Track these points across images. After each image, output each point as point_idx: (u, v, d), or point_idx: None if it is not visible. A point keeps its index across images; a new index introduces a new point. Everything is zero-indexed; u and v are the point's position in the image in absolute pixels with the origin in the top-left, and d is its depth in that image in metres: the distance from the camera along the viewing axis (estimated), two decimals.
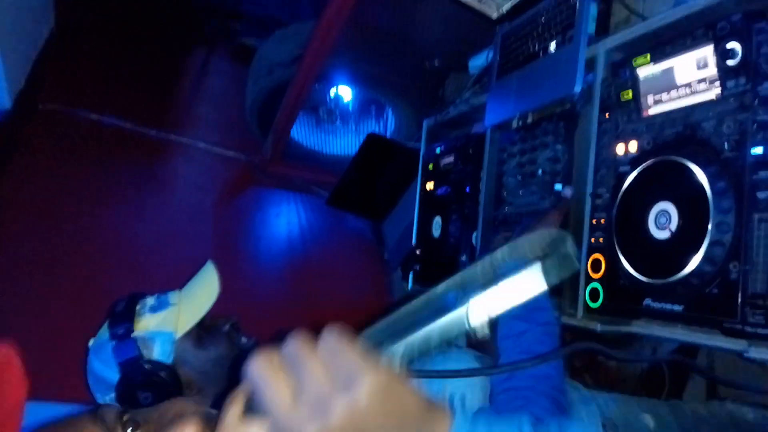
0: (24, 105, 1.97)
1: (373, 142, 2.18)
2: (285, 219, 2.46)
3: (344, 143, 2.52)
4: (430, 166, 1.78)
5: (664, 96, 1.00)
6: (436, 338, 0.41)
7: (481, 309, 0.41)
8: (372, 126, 2.47)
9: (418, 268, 1.75)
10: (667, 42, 1.00)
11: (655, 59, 1.02)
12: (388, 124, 2.42)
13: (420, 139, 1.92)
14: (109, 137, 2.21)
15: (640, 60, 1.05)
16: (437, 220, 1.69)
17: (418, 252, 1.77)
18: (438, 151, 1.75)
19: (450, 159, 1.69)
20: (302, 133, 2.46)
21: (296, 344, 0.40)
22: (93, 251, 1.91)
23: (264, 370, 0.40)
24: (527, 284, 0.41)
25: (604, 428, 1.20)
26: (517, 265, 0.41)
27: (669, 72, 0.99)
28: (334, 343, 0.40)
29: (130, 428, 0.51)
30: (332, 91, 2.36)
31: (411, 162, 1.95)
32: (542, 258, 0.41)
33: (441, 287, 0.42)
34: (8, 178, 1.91)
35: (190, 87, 2.72)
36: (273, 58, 2.17)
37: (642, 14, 1.30)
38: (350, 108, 2.44)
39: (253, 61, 2.28)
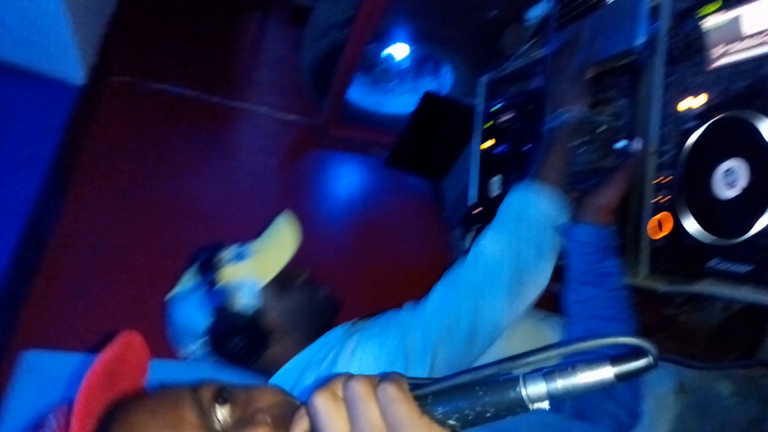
0: (97, 79, 2.08)
1: (429, 101, 2.17)
2: (345, 180, 2.50)
3: (401, 102, 2.51)
4: (489, 124, 1.76)
5: (734, 46, 0.95)
6: (491, 411, 0.42)
7: (542, 388, 0.41)
8: (428, 84, 2.44)
9: (477, 226, 1.75)
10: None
11: (724, 6, 0.96)
12: (444, 82, 2.39)
13: (478, 95, 1.89)
14: (175, 106, 2.31)
15: (708, 8, 0.99)
16: (497, 179, 1.69)
17: (477, 210, 1.77)
18: (496, 108, 1.72)
19: (509, 116, 1.66)
20: (359, 93, 2.47)
21: (359, 385, 0.43)
22: (166, 214, 2.03)
23: (326, 404, 0.43)
24: (595, 376, 0.41)
25: (676, 393, 1.20)
26: (589, 358, 0.41)
27: (737, 20, 0.94)
28: (394, 393, 0.42)
29: (224, 408, 0.55)
30: (387, 50, 2.34)
31: (469, 119, 1.93)
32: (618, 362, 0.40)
33: (507, 363, 0.43)
34: (86, 148, 2.04)
35: (249, 52, 2.76)
36: (327, 20, 2.17)
37: None
38: (406, 66, 2.41)
39: (308, 23, 2.29)
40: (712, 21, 0.99)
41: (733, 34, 0.95)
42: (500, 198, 1.63)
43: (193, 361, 1.10)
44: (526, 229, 1.01)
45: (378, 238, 2.38)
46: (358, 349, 0.91)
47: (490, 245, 1.00)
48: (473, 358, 0.94)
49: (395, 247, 2.39)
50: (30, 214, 1.69)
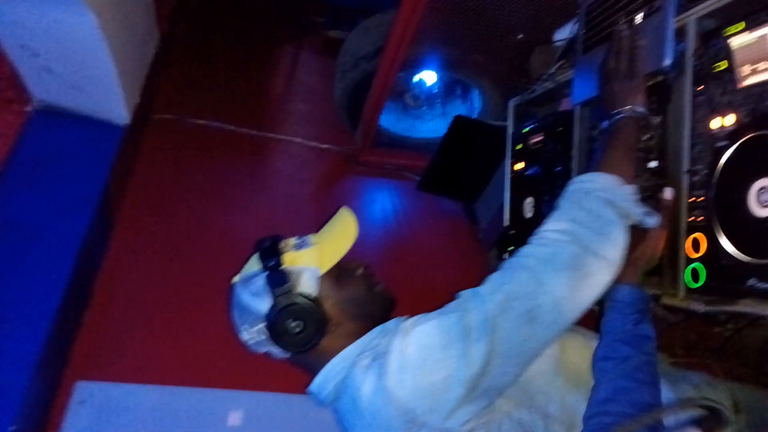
0: (140, 118, 2.18)
1: (460, 124, 2.20)
2: (379, 205, 2.54)
3: (432, 127, 2.55)
4: (519, 146, 1.77)
5: (761, 65, 0.95)
6: None
7: None
8: (458, 107, 2.48)
9: (512, 248, 1.76)
10: (761, 9, 0.94)
11: (749, 27, 0.97)
12: (474, 105, 2.42)
13: (507, 118, 1.91)
14: (215, 139, 2.40)
15: (732, 29, 0.99)
16: (529, 201, 1.69)
17: (511, 233, 1.78)
18: (526, 130, 1.73)
19: (539, 138, 1.67)
20: (390, 120, 2.52)
21: None
22: (208, 243, 2.11)
23: None
24: None
25: (731, 410, 1.17)
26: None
27: (764, 40, 0.94)
28: None
29: None
30: (417, 77, 2.39)
31: (500, 141, 1.95)
32: None
33: None
34: (131, 184, 2.14)
35: (282, 84, 2.85)
36: (357, 52, 2.23)
37: None
38: (436, 91, 2.45)
39: (339, 55, 2.36)
40: (738, 41, 1.00)
41: (759, 53, 0.96)
42: (533, 220, 1.66)
43: (254, 346, 1.11)
44: (586, 202, 0.98)
45: (413, 261, 2.40)
46: (415, 329, 0.91)
47: (552, 222, 0.99)
48: (537, 341, 0.91)
49: (431, 270, 2.40)
50: (80, 249, 1.78)
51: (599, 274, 0.94)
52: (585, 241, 0.94)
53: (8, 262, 1.68)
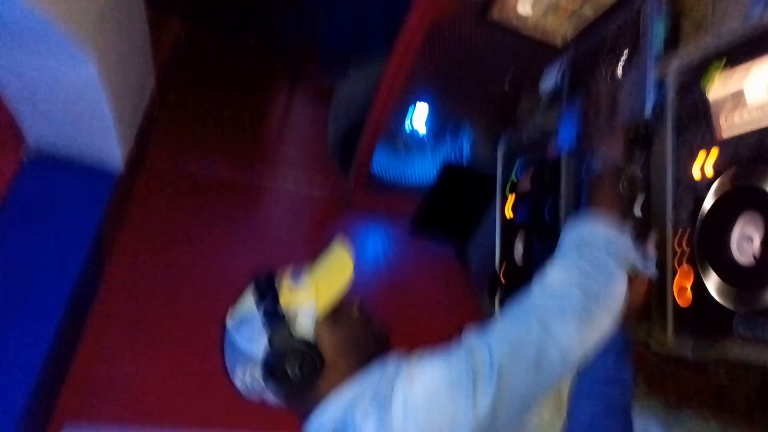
0: (134, 166, 2.20)
1: (450, 169, 2.24)
2: (371, 248, 2.55)
3: (423, 171, 2.58)
4: (508, 192, 1.81)
5: (737, 118, 0.99)
6: None
7: None
8: (449, 151, 2.52)
9: (503, 294, 1.77)
10: (735, 63, 0.99)
11: (723, 81, 1.01)
12: (464, 149, 2.46)
13: (496, 163, 1.95)
14: (208, 187, 2.42)
15: (708, 82, 1.04)
16: (519, 245, 1.71)
17: (502, 277, 1.79)
18: (514, 176, 1.77)
19: (527, 184, 1.71)
20: (382, 165, 2.55)
21: None
22: (200, 291, 2.10)
23: None
24: None
25: None
26: None
27: (739, 93, 0.98)
28: None
29: None
30: (408, 122, 2.44)
31: (490, 185, 1.98)
32: None
33: None
34: (123, 232, 2.15)
35: (276, 131, 2.90)
36: (349, 98, 2.29)
37: (711, 28, 1.28)
38: (426, 137, 2.50)
39: (331, 102, 2.41)
40: (715, 94, 1.04)
41: (735, 105, 1.00)
42: (524, 264, 1.67)
43: (247, 393, 1.07)
44: (588, 252, 1.00)
45: (406, 302, 2.40)
46: (420, 374, 0.89)
47: (557, 271, 1.00)
48: (542, 388, 0.90)
49: (423, 312, 2.40)
50: (71, 294, 1.77)
51: (603, 323, 0.96)
52: (591, 291, 0.95)
53: None
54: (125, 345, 1.92)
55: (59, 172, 1.99)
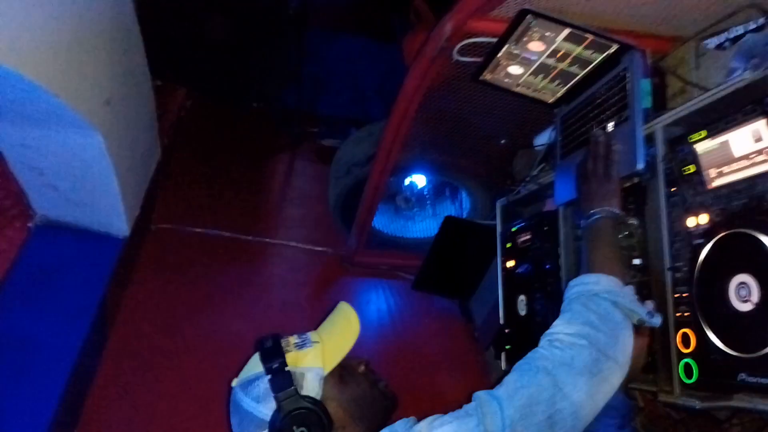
0: (139, 229, 2.24)
1: (450, 224, 2.27)
2: (375, 306, 2.55)
3: (424, 227, 2.62)
4: (508, 245, 1.83)
5: (725, 168, 1.03)
6: None
7: None
8: (448, 208, 2.56)
9: (509, 347, 1.76)
10: (720, 117, 1.03)
11: (711, 135, 1.05)
12: (463, 205, 2.50)
13: (496, 217, 1.98)
14: (212, 247, 2.45)
15: (696, 136, 1.08)
16: (521, 298, 1.72)
17: (507, 331, 1.79)
18: (514, 229, 1.79)
19: (527, 237, 1.73)
20: (383, 221, 2.59)
21: None
22: (204, 349, 2.09)
23: None
24: None
25: None
26: None
27: (726, 145, 1.02)
28: None
29: None
30: (407, 180, 2.49)
31: (490, 240, 2.00)
32: None
33: None
34: (131, 292, 2.16)
35: (278, 191, 2.96)
36: (350, 159, 2.35)
37: (696, 84, 1.33)
38: (425, 193, 2.55)
39: (332, 163, 2.47)
40: (703, 146, 1.08)
41: (723, 157, 1.03)
42: (527, 317, 1.67)
43: None
44: (594, 305, 1.00)
45: (410, 360, 2.38)
46: (432, 431, 0.88)
47: (564, 324, 0.99)
48: None
49: (428, 369, 2.37)
50: (75, 362, 1.77)
51: (613, 378, 0.95)
52: (600, 345, 0.95)
53: (3, 376, 1.67)
54: (130, 411, 1.90)
55: (66, 240, 2.03)
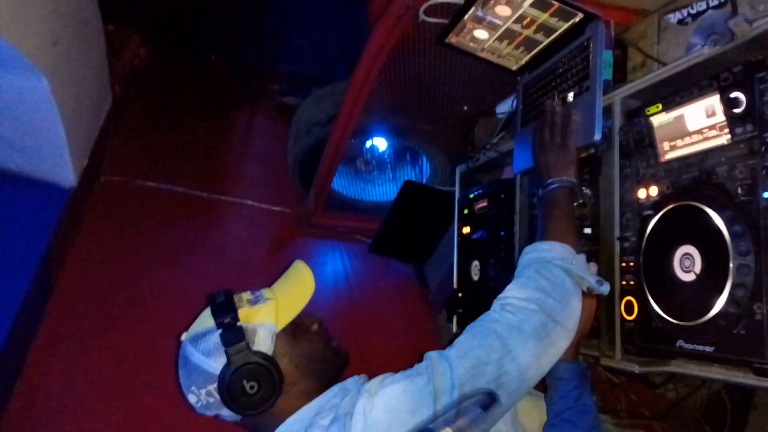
0: (87, 179, 2.16)
1: (409, 188, 2.27)
2: (331, 268, 2.55)
3: (383, 190, 2.61)
4: (465, 211, 1.84)
5: (679, 142, 1.05)
6: None
7: None
8: (408, 172, 2.56)
9: (461, 311, 1.79)
10: (677, 91, 1.05)
11: (666, 108, 1.07)
12: (423, 170, 2.50)
13: (455, 183, 1.99)
14: (164, 202, 2.38)
15: (652, 109, 1.09)
16: (475, 264, 1.74)
17: (459, 295, 1.82)
18: (472, 196, 1.81)
19: (483, 204, 1.74)
20: (342, 183, 2.57)
21: None
22: (153, 309, 2.06)
23: None
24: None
25: None
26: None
27: (680, 119, 1.04)
28: None
29: None
30: (368, 143, 2.47)
31: (448, 205, 2.02)
32: None
33: None
34: (77, 245, 2.09)
35: (236, 148, 2.89)
36: (310, 119, 2.30)
37: (657, 58, 1.35)
38: (386, 157, 2.53)
39: (292, 122, 2.42)
40: (658, 120, 1.09)
41: (677, 131, 1.05)
42: (480, 282, 1.70)
43: (203, 409, 1.04)
44: (546, 271, 1.02)
45: (365, 322, 2.40)
46: (381, 391, 0.89)
47: (516, 289, 1.02)
48: (500, 410, 0.90)
49: (382, 331, 2.40)
50: (17, 314, 1.71)
51: (560, 342, 0.99)
52: (549, 310, 0.98)
53: None
54: (73, 367, 1.85)
55: (9, 187, 1.94)
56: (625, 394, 1.80)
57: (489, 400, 0.59)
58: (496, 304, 1.02)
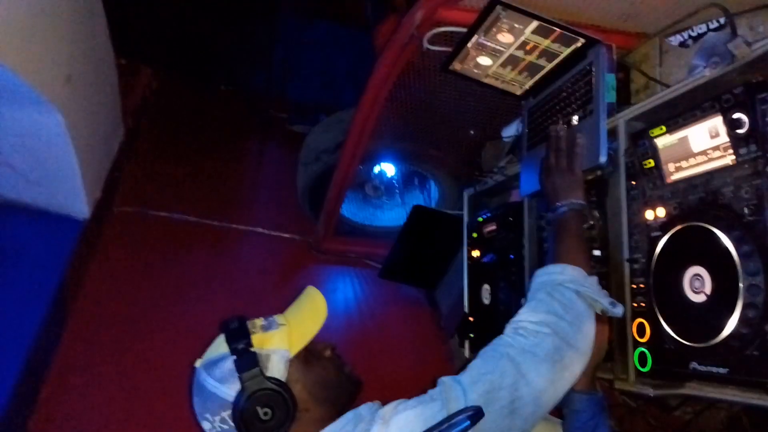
0: (101, 211, 2.19)
1: (418, 213, 2.28)
2: (342, 293, 2.55)
3: (392, 215, 2.63)
4: (474, 235, 1.84)
5: (684, 163, 1.05)
6: None
7: None
8: (417, 197, 2.57)
9: (473, 335, 1.78)
10: (680, 113, 1.06)
11: (670, 130, 1.07)
12: (432, 194, 2.52)
13: (463, 207, 2.00)
14: (177, 232, 2.41)
15: (656, 131, 1.10)
16: (486, 288, 1.74)
17: (471, 319, 1.81)
18: (480, 219, 1.81)
19: (492, 227, 1.75)
20: (352, 209, 2.59)
21: None
22: (166, 338, 2.06)
23: None
24: None
25: None
26: None
27: (685, 141, 1.05)
28: None
29: None
30: (376, 169, 2.49)
31: (457, 229, 2.02)
32: None
33: None
34: (91, 275, 2.12)
35: (246, 176, 2.92)
36: (319, 146, 2.33)
37: (659, 80, 1.36)
38: (395, 182, 2.55)
39: (301, 149, 2.45)
40: (662, 141, 1.10)
41: (681, 152, 1.06)
42: (491, 306, 1.70)
43: None
44: (559, 295, 1.01)
45: (376, 347, 2.39)
46: (395, 417, 0.89)
47: (528, 317, 1.01)
48: (514, 431, 0.90)
49: (394, 356, 2.39)
50: (32, 344, 1.73)
51: (574, 366, 0.97)
52: (563, 333, 0.96)
53: None
54: (89, 392, 1.86)
55: (24, 220, 1.97)
56: (642, 418, 1.78)
57: (477, 415, 0.62)
58: (509, 328, 1.02)
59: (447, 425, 0.60)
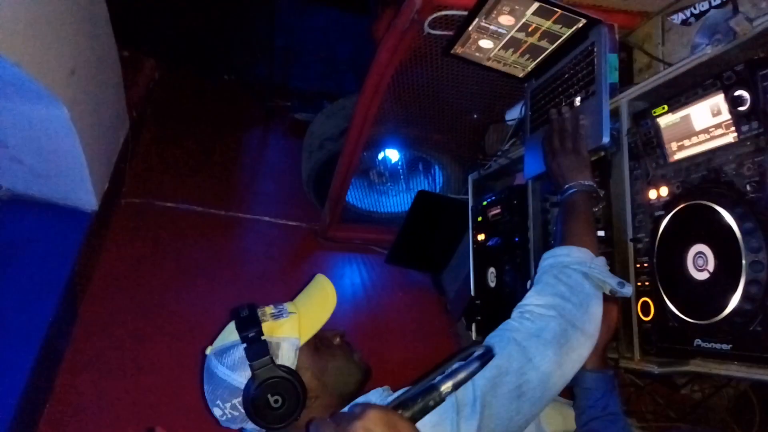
0: (108, 203, 2.21)
1: (423, 198, 2.28)
2: (349, 280, 2.57)
3: (397, 201, 2.63)
4: (479, 218, 1.85)
5: (686, 142, 1.05)
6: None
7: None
8: (421, 182, 2.57)
9: (479, 318, 1.80)
10: (682, 91, 1.06)
11: (672, 108, 1.07)
12: (436, 179, 2.52)
13: (467, 191, 2.00)
14: (184, 222, 2.43)
15: (658, 110, 1.10)
16: (491, 271, 1.75)
17: (477, 302, 1.82)
18: (485, 203, 1.82)
19: (497, 210, 1.75)
20: (357, 196, 2.59)
21: None
22: (177, 323, 2.09)
23: None
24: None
25: None
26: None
27: (687, 119, 1.04)
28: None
29: None
30: (380, 155, 2.49)
31: (462, 213, 2.03)
32: None
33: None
34: (98, 270, 2.14)
35: (251, 165, 2.93)
36: (322, 134, 2.33)
37: (662, 59, 1.36)
38: (399, 168, 2.55)
39: (305, 137, 2.45)
40: (665, 120, 1.10)
41: (684, 131, 1.06)
42: (497, 289, 1.71)
43: (228, 423, 1.06)
44: (566, 277, 1.02)
45: (384, 333, 2.41)
46: None
47: (535, 296, 1.02)
48: (524, 415, 0.91)
49: (401, 341, 2.41)
50: (44, 338, 1.75)
51: (581, 348, 0.98)
52: (569, 316, 0.97)
53: None
54: (102, 384, 1.89)
55: (32, 214, 1.99)
56: (650, 397, 1.79)
57: (487, 355, 0.64)
58: (516, 312, 1.02)
59: (459, 365, 0.64)
